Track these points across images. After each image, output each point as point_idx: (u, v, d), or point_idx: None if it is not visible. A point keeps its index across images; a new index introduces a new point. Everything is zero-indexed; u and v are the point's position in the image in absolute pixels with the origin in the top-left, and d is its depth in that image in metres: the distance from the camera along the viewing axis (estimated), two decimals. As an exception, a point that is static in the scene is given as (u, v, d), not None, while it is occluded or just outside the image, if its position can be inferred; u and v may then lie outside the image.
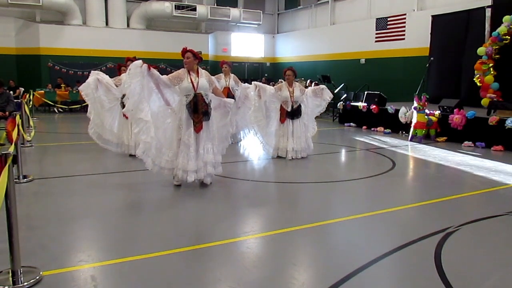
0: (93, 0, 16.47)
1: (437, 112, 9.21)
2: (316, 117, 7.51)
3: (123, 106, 6.47)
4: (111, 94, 6.72)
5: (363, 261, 3.03)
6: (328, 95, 7.16)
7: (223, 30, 20.13)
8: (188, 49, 4.89)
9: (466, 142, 8.49)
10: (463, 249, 3.35)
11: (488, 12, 10.78)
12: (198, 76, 4.89)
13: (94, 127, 6.74)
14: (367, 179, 5.76)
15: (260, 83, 6.87)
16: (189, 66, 4.88)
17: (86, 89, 6.58)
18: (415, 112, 9.04)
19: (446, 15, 12.22)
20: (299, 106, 6.87)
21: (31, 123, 10.23)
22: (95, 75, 6.66)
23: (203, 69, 5.11)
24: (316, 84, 15.78)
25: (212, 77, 5.31)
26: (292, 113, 6.83)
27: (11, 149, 3.34)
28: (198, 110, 4.83)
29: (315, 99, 7.13)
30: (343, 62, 16.78)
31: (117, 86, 6.70)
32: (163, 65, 17.13)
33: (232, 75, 8.35)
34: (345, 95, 14.08)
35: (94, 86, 6.57)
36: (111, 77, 6.95)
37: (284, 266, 3.02)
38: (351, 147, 8.64)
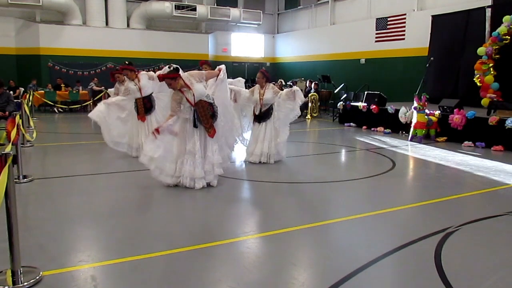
0: (93, 0, 16.48)
1: (437, 112, 9.21)
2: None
3: (137, 110, 6.67)
4: (123, 110, 6.80)
5: (363, 261, 3.04)
6: (300, 98, 6.77)
7: (223, 30, 20.13)
8: (161, 75, 4.76)
9: (466, 142, 8.49)
10: (463, 249, 3.35)
11: (488, 12, 10.78)
12: (190, 88, 4.81)
13: (107, 136, 6.78)
14: (367, 179, 5.76)
15: (235, 87, 6.69)
16: (175, 87, 4.82)
17: (99, 119, 6.62)
18: (415, 112, 9.04)
19: (446, 15, 12.22)
20: (268, 109, 6.65)
21: (31, 123, 10.21)
22: (104, 106, 6.74)
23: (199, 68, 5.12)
24: (316, 85, 15.72)
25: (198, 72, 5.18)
26: (259, 116, 6.67)
27: (8, 149, 3.34)
28: (205, 115, 4.88)
29: (288, 102, 6.76)
30: (343, 62, 16.78)
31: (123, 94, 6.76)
32: (163, 65, 17.11)
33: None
34: (345, 95, 14.06)
35: (106, 113, 6.66)
36: (107, 78, 6.95)
37: (284, 266, 3.02)
38: (351, 147, 8.64)
